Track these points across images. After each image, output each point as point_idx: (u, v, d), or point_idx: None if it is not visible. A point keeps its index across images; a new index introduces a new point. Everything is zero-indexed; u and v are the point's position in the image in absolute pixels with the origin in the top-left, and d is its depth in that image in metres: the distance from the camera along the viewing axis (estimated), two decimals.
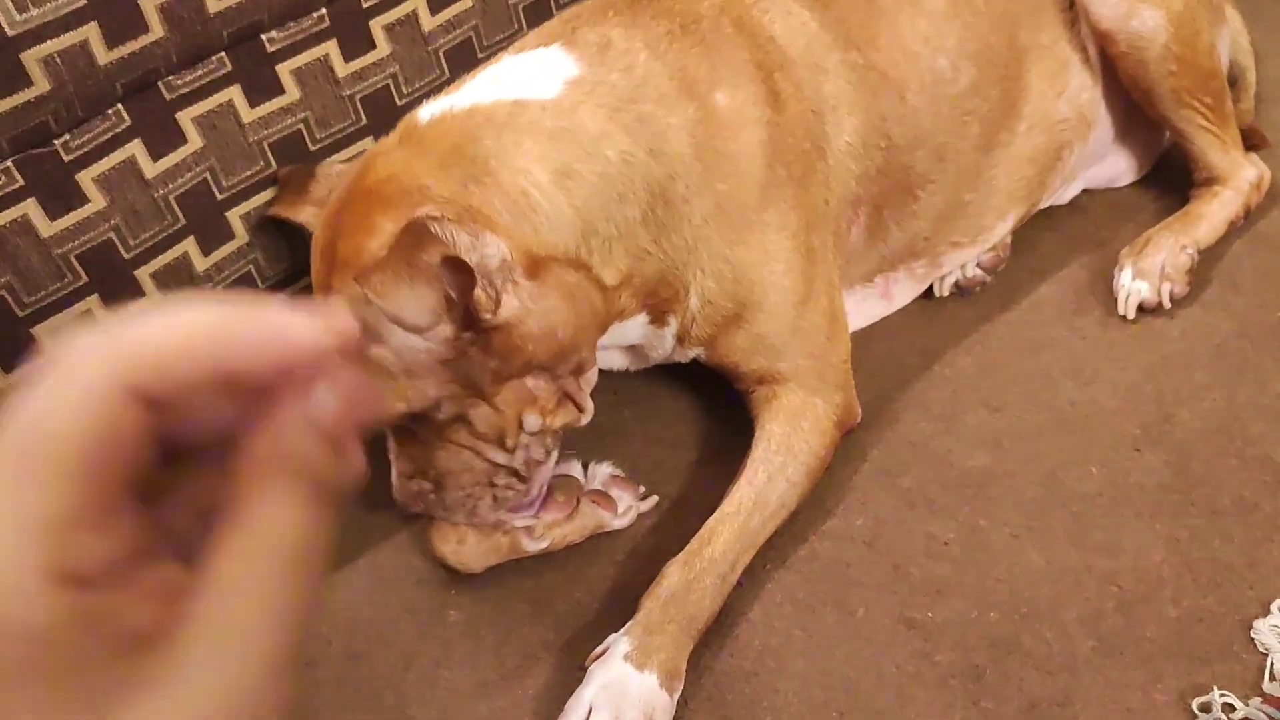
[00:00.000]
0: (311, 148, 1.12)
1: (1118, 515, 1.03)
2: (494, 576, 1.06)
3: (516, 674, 0.98)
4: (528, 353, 0.89)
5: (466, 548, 1.04)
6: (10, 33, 0.86)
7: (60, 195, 0.95)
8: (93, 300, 1.01)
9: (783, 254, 1.03)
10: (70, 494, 0.28)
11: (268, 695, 0.29)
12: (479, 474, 0.96)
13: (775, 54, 1.06)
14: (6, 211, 0.92)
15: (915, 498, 1.07)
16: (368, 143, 1.16)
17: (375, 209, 0.88)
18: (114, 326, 0.30)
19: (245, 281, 1.13)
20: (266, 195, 1.11)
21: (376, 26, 1.13)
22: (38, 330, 0.98)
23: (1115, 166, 1.41)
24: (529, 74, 0.97)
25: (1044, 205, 1.37)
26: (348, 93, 1.13)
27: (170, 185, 1.02)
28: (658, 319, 1.03)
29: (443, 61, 1.19)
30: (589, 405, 0.98)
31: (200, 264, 1.08)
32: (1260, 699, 0.87)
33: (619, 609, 0.99)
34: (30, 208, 0.94)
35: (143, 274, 1.03)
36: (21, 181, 0.92)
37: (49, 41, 0.89)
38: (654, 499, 1.11)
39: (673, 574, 0.96)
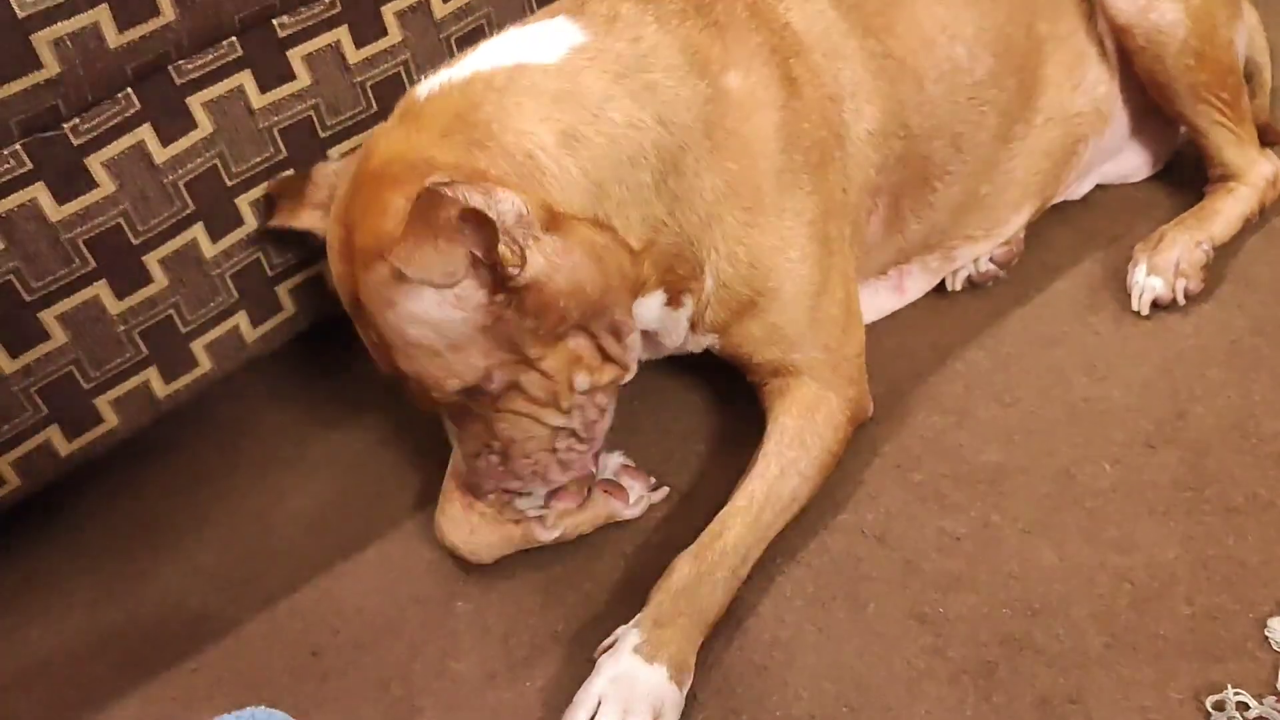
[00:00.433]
0: (322, 134, 1.11)
1: (1131, 512, 1.02)
2: (503, 568, 1.05)
3: (524, 665, 0.98)
4: (560, 309, 0.89)
5: (478, 538, 1.03)
6: (20, 14, 0.86)
7: (69, 179, 0.94)
8: (100, 286, 1.00)
9: (799, 241, 1.03)
10: None
11: None
12: (542, 440, 0.98)
13: (791, 40, 1.05)
14: (15, 195, 0.92)
15: (927, 492, 1.07)
16: None
17: (384, 189, 0.88)
18: None
19: (254, 268, 1.12)
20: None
21: (388, 13, 1.12)
22: (44, 315, 0.97)
23: (1130, 162, 1.40)
24: (532, 42, 0.96)
25: (1058, 200, 1.36)
26: (358, 79, 1.12)
27: (179, 170, 1.02)
28: (674, 299, 1.03)
29: (454, 49, 1.18)
30: (633, 363, 0.99)
31: (209, 250, 1.07)
32: (1275, 697, 0.86)
33: (628, 601, 0.98)
34: (39, 191, 0.93)
35: (151, 259, 1.03)
36: (30, 165, 0.92)
37: (59, 23, 0.88)
38: (665, 489, 1.11)
39: (683, 567, 0.95)
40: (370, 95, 1.13)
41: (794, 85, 1.03)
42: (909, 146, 1.13)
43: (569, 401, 0.96)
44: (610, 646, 0.93)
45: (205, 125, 1.02)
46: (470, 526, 1.03)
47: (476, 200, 0.82)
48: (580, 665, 0.95)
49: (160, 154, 1.00)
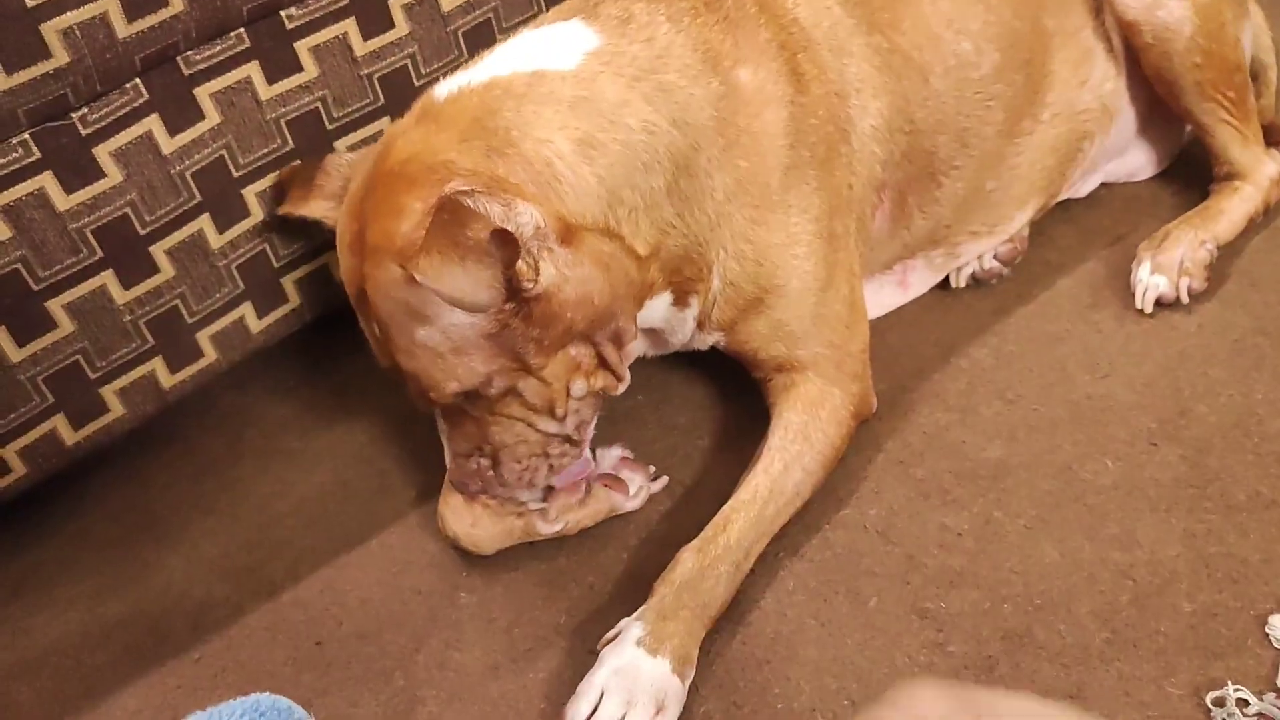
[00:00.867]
0: (329, 126, 1.12)
1: (1133, 509, 1.02)
2: (506, 559, 1.06)
3: (527, 657, 0.98)
4: (566, 320, 0.90)
5: (480, 530, 1.03)
6: (30, 3, 0.86)
7: (77, 169, 0.95)
8: (107, 275, 1.00)
9: (804, 237, 1.03)
10: None
11: None
12: (534, 445, 0.98)
13: (799, 35, 1.05)
14: (23, 184, 0.92)
15: (929, 488, 1.07)
16: (385, 123, 1.15)
17: (400, 190, 0.87)
18: None
19: (260, 260, 1.12)
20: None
21: (396, 6, 1.12)
22: (51, 304, 0.98)
23: (1135, 160, 1.40)
24: (548, 46, 0.96)
25: (1063, 197, 1.36)
26: (366, 72, 1.12)
27: (187, 161, 1.02)
28: (680, 299, 1.03)
29: (462, 42, 1.19)
30: (626, 374, 1.00)
31: (215, 241, 1.07)
32: (1275, 694, 0.87)
33: (632, 594, 0.99)
34: (47, 180, 0.93)
35: (157, 250, 1.03)
36: (39, 154, 0.92)
37: (69, 13, 0.88)
38: (664, 479, 1.11)
39: (687, 560, 0.96)
40: (377, 88, 1.14)
41: (801, 81, 1.03)
42: (914, 142, 1.13)
43: (564, 408, 0.96)
44: (614, 638, 0.93)
45: (213, 116, 1.03)
46: (473, 518, 1.03)
47: (497, 213, 0.82)
48: (583, 657, 0.95)
49: (168, 144, 1.00)
